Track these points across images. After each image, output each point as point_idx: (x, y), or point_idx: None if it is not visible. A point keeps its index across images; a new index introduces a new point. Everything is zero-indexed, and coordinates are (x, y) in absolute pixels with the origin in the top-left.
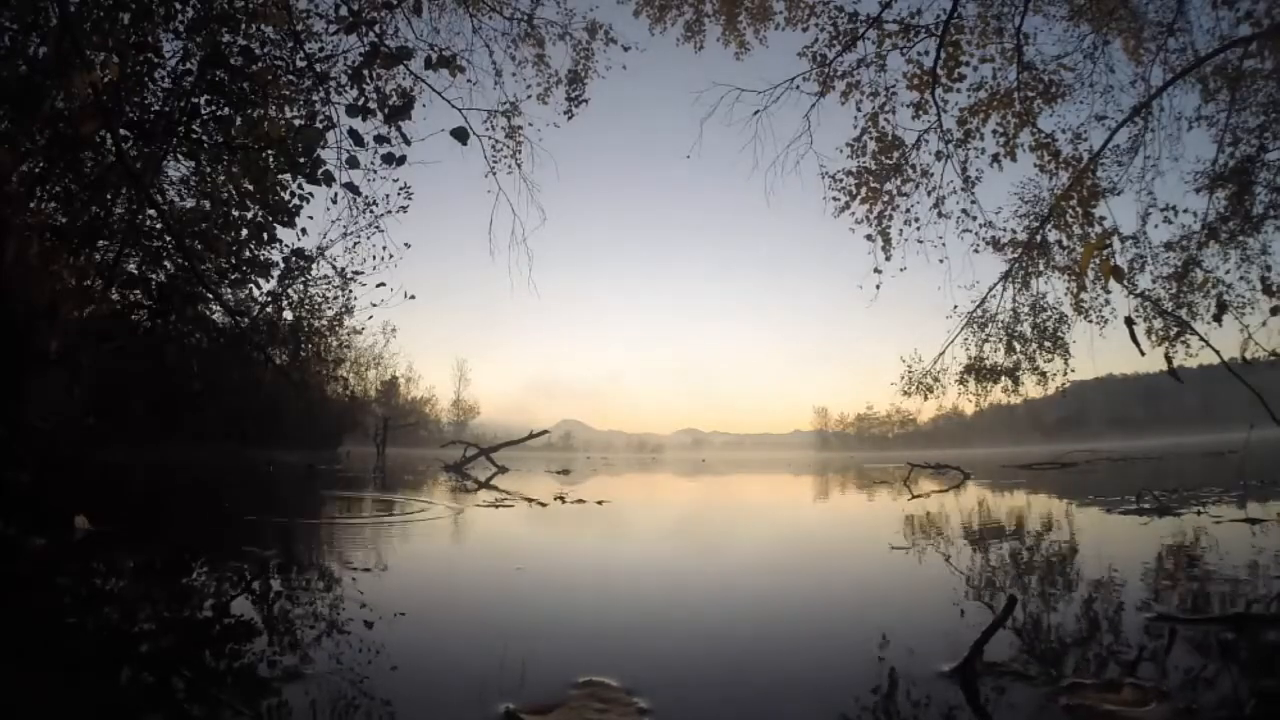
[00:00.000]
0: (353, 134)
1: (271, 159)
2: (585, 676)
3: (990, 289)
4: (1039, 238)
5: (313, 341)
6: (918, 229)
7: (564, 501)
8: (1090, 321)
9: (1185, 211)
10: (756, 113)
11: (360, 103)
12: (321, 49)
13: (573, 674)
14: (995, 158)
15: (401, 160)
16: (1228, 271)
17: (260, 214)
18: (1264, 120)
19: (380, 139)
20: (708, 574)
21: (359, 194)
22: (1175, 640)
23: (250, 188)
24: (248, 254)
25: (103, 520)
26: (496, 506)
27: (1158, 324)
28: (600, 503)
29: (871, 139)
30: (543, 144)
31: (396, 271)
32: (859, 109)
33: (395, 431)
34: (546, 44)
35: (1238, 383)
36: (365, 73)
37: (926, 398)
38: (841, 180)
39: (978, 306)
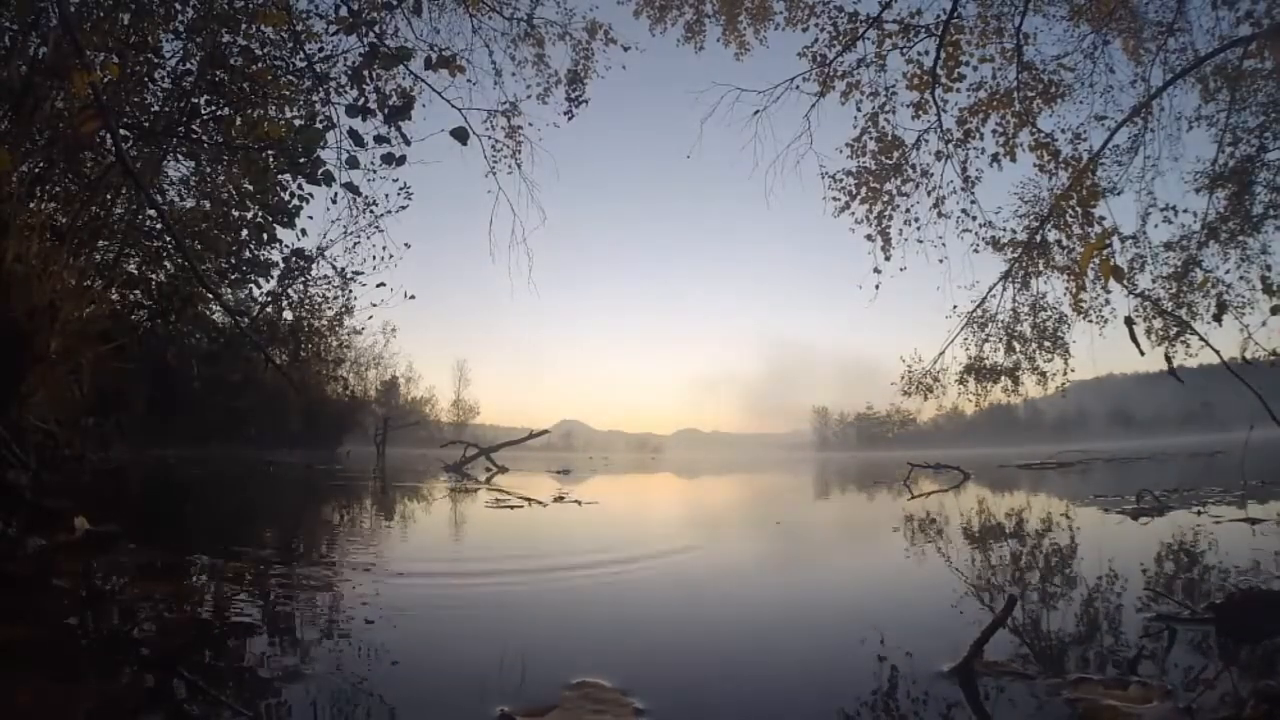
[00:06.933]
0: (353, 134)
1: (271, 159)
2: (580, 677)
3: (990, 289)
4: (1039, 238)
5: (313, 341)
6: (917, 229)
7: (563, 501)
8: (1090, 321)
9: (1185, 211)
10: (756, 113)
11: (360, 103)
12: (321, 49)
13: (567, 675)
14: (995, 158)
15: (401, 160)
16: (1228, 271)
17: (260, 214)
18: (1264, 120)
19: (380, 139)
20: (704, 572)
21: (359, 194)
22: (1174, 640)
23: (250, 188)
24: (248, 254)
25: (102, 520)
26: (496, 506)
27: (1158, 324)
28: (597, 503)
29: (871, 139)
30: (543, 144)
31: (396, 271)
32: (859, 109)
33: (395, 432)
34: (546, 44)
35: (1238, 382)
36: (365, 73)
37: (926, 398)
38: (841, 180)
39: (977, 306)
